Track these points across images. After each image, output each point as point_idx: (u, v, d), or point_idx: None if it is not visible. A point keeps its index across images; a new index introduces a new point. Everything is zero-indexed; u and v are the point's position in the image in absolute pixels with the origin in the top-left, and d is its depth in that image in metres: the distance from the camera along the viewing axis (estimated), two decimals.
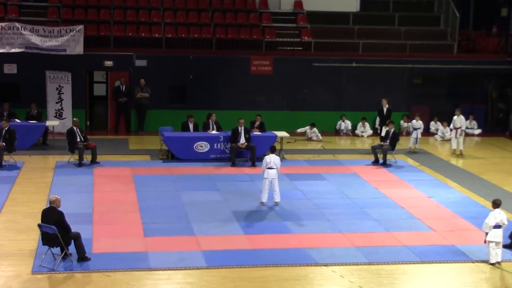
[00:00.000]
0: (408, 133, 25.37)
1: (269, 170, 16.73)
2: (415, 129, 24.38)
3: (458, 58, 27.99)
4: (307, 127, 26.04)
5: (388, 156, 21.79)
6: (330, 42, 27.39)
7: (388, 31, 28.12)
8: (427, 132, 27.13)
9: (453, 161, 22.89)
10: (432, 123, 27.49)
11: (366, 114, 27.03)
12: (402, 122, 27.22)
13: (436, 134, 26.82)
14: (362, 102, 27.33)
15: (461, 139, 23.73)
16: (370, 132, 26.97)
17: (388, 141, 21.91)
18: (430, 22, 29.33)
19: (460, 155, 23.55)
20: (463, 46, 29.04)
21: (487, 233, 13.44)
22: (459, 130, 23.67)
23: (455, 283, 12.66)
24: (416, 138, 24.17)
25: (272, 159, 16.83)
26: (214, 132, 22.26)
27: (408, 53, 27.66)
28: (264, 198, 16.89)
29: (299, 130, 26.16)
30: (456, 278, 12.88)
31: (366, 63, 27.31)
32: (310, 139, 25.84)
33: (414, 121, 24.77)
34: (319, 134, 25.93)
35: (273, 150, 17.28)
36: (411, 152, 23.77)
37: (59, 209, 12.80)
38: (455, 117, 23.84)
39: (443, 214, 16.71)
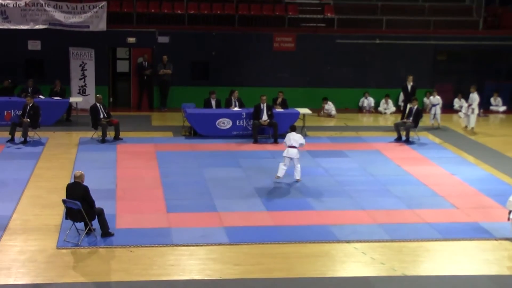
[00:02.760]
0: None
1: (289, 148, 16.72)
2: (433, 105, 24.27)
3: (484, 34, 27.64)
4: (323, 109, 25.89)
5: (411, 133, 21.66)
6: (354, 19, 27.19)
7: (412, 7, 27.83)
8: (450, 109, 26.96)
9: (477, 138, 22.70)
10: (456, 100, 27.27)
11: (389, 91, 26.87)
12: (425, 99, 27.01)
13: (460, 111, 26.59)
14: (385, 79, 27.16)
15: (472, 117, 23.54)
16: (393, 109, 26.82)
17: (411, 118, 21.79)
18: None
19: (473, 132, 23.39)
20: (489, 22, 28.64)
21: (510, 211, 13.34)
22: (470, 108, 23.51)
23: (478, 261, 12.62)
24: (435, 114, 24.09)
25: (292, 137, 16.80)
26: (236, 109, 22.26)
27: (432, 30, 27.37)
28: (280, 173, 16.83)
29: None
30: (478, 256, 12.83)
31: (390, 40, 27.06)
32: (329, 115, 25.73)
33: (432, 97, 24.63)
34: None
35: (293, 129, 17.24)
36: (432, 129, 23.64)
37: (84, 184, 12.91)
38: (471, 94, 23.72)
39: (466, 192, 16.62)
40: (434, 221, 14.42)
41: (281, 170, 16.81)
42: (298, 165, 16.84)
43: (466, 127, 23.79)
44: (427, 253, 12.91)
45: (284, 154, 16.79)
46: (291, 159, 16.77)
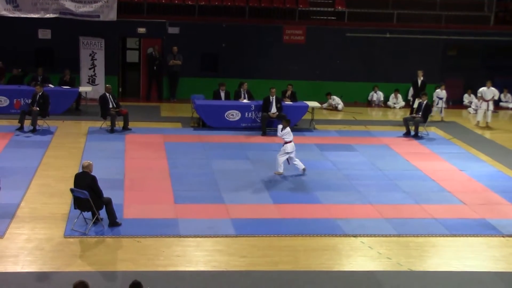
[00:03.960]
0: None
1: (288, 144, 16.66)
2: (439, 98, 24.25)
3: (495, 29, 27.51)
4: (326, 103, 25.80)
5: (420, 128, 21.61)
6: (364, 12, 27.09)
7: (424, 1, 27.67)
8: (460, 105, 26.89)
9: (486, 134, 22.63)
10: (466, 95, 27.17)
11: (398, 85, 26.79)
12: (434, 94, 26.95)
13: (470, 107, 26.50)
14: (395, 73, 27.07)
15: (490, 112, 23.51)
16: (403, 103, 26.75)
17: (420, 113, 21.73)
18: None
19: (486, 127, 23.31)
20: (500, 18, 28.49)
21: None
22: (490, 103, 23.45)
23: (485, 257, 12.60)
24: (441, 107, 24.08)
25: (286, 131, 16.73)
26: (245, 101, 22.25)
27: (443, 24, 27.25)
28: (281, 169, 16.82)
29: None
30: (485, 252, 12.81)
31: (400, 34, 26.95)
32: (335, 109, 25.67)
33: (438, 90, 24.60)
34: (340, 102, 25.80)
35: (287, 123, 17.13)
36: (441, 122, 23.64)
37: (92, 174, 12.94)
38: (485, 89, 23.61)
39: (474, 188, 16.58)
40: (441, 217, 14.40)
41: (281, 166, 16.77)
42: (296, 160, 16.79)
43: (478, 122, 23.69)
44: (434, 249, 12.90)
45: (290, 150, 16.73)
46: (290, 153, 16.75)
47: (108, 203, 13.01)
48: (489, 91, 23.66)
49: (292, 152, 16.74)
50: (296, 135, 17.44)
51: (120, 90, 26.36)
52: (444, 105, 24.53)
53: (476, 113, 24.68)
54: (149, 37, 26.05)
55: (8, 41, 24.91)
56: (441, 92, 24.45)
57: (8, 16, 23.60)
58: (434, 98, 24.70)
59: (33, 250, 11.97)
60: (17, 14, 23.51)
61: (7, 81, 23.98)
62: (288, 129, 16.81)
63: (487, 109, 23.53)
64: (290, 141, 16.69)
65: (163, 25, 25.93)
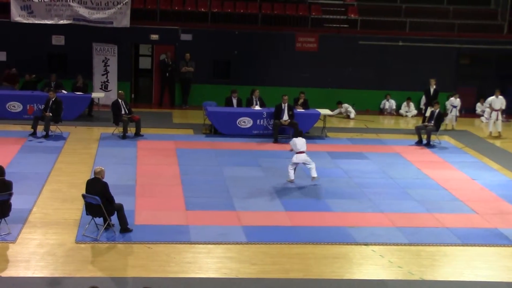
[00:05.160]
0: None
1: (298, 154, 16.69)
2: (454, 106, 24.18)
3: (508, 38, 27.41)
4: (337, 110, 25.76)
5: (432, 137, 21.55)
6: (377, 20, 27.09)
7: (437, 9, 27.68)
8: (472, 113, 26.80)
9: (498, 143, 22.53)
10: (478, 104, 27.08)
11: (411, 94, 26.73)
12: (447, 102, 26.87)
13: (482, 115, 26.39)
14: (407, 82, 27.02)
15: (499, 121, 23.42)
16: (415, 112, 26.69)
17: (432, 122, 21.67)
18: (480, 1, 28.72)
19: (499, 137, 23.21)
20: None
21: None
22: (499, 113, 23.36)
23: (497, 267, 12.52)
24: (455, 115, 24.01)
25: (298, 141, 16.75)
26: (257, 108, 22.26)
27: (456, 33, 27.20)
28: (292, 176, 16.83)
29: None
30: (498, 262, 12.74)
31: (413, 42, 26.92)
32: (348, 117, 25.64)
33: (452, 98, 24.52)
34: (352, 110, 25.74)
35: (299, 134, 17.20)
36: (452, 131, 23.56)
37: (104, 180, 12.99)
38: (493, 98, 23.54)
39: (486, 197, 16.50)
40: (453, 226, 14.33)
41: (292, 173, 16.82)
42: (312, 164, 16.77)
43: (491, 133, 23.56)
44: (446, 258, 12.84)
45: (295, 160, 16.76)
46: (303, 163, 16.77)
47: (119, 209, 13.04)
48: (497, 100, 23.58)
49: (299, 163, 16.79)
50: (308, 142, 17.41)
51: (133, 96, 26.45)
52: (457, 114, 24.45)
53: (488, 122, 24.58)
54: (162, 43, 26.14)
55: (22, 47, 25.09)
56: (455, 101, 24.38)
57: (22, 22, 23.74)
58: (448, 106, 24.65)
59: (45, 255, 12.00)
60: (31, 20, 23.64)
61: (21, 87, 24.15)
62: (300, 140, 16.83)
63: (497, 119, 23.44)
64: (301, 152, 16.71)
65: (175, 32, 26.02)
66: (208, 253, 12.49)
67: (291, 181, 16.76)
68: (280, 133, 21.38)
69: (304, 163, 16.79)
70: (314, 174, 16.80)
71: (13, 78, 24.52)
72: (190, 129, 22.41)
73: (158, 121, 23.22)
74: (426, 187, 17.07)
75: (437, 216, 14.92)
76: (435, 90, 24.09)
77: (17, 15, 23.60)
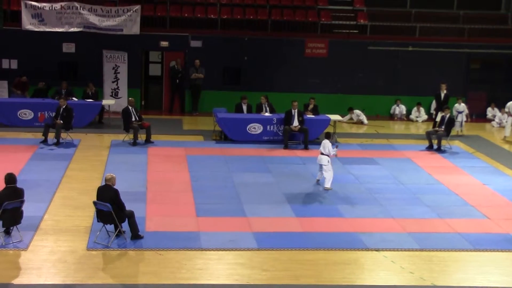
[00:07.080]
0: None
1: (320, 155, 16.86)
2: (459, 112, 24.11)
3: None
4: (347, 116, 25.74)
5: (443, 142, 21.49)
6: (386, 26, 27.06)
7: (446, 14, 27.61)
8: (483, 118, 26.71)
9: (510, 148, 22.44)
10: (489, 109, 26.99)
11: (421, 99, 26.67)
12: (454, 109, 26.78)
13: (493, 120, 26.30)
14: (417, 87, 26.96)
15: (507, 126, 23.36)
16: (425, 117, 26.62)
17: (443, 127, 21.62)
18: (490, 6, 28.65)
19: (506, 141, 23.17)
20: None
21: None
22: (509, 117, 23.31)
23: (509, 272, 12.46)
24: (461, 121, 23.95)
25: (327, 144, 16.88)
26: (267, 114, 22.27)
27: (466, 38, 27.13)
28: (319, 176, 17.16)
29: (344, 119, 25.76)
30: (510, 267, 12.68)
31: (423, 47, 26.87)
32: (361, 123, 25.60)
33: (456, 104, 24.44)
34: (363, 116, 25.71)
35: (327, 136, 17.30)
36: (463, 136, 23.49)
37: (114, 187, 13.02)
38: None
39: (498, 202, 16.43)
40: (464, 231, 14.28)
41: (319, 173, 17.13)
42: (327, 174, 16.77)
43: (505, 137, 23.47)
44: (457, 263, 12.79)
45: (317, 160, 16.96)
46: (321, 165, 16.81)
47: (130, 216, 13.06)
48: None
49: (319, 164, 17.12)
50: (318, 148, 17.41)
51: (143, 103, 26.51)
52: (464, 119, 24.30)
53: (499, 126, 24.45)
54: (172, 50, 26.21)
55: (33, 55, 25.21)
56: (459, 106, 24.26)
57: (33, 30, 23.88)
58: (454, 112, 24.59)
59: (56, 263, 12.04)
60: (42, 28, 23.80)
61: (32, 95, 24.27)
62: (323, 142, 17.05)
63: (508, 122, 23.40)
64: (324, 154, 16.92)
65: (185, 39, 26.08)
66: (219, 259, 12.49)
67: (317, 181, 17.18)
68: (290, 139, 21.37)
69: (320, 165, 16.85)
70: (327, 184, 16.81)
71: (24, 86, 24.64)
72: (200, 135, 22.44)
73: (168, 128, 23.25)
74: (437, 192, 17.02)
75: (448, 221, 14.87)
76: (445, 94, 24.05)
77: (28, 23, 23.75)
